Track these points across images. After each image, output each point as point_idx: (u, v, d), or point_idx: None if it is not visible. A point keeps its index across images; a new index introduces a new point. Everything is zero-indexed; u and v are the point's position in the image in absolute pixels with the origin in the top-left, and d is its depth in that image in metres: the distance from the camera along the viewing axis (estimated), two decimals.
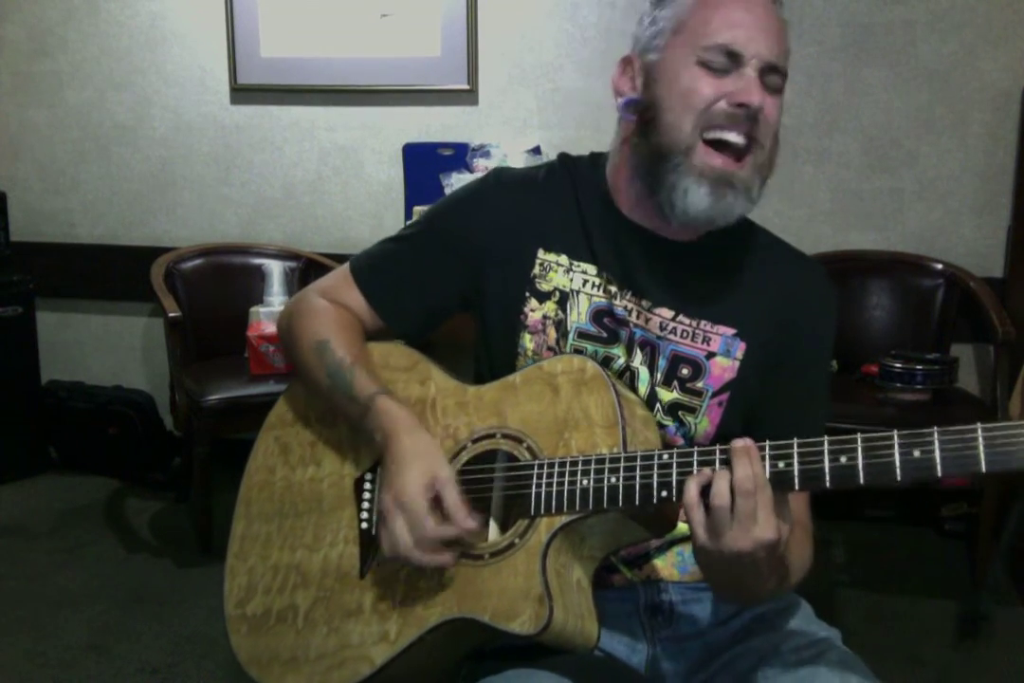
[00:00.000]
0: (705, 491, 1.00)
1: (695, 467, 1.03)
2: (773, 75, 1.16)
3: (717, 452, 1.02)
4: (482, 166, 3.18)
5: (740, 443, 0.99)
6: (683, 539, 1.27)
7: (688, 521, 1.01)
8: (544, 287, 1.27)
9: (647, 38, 1.22)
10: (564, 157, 1.35)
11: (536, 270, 1.27)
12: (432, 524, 1.11)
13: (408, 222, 1.43)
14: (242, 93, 3.45)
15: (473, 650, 1.21)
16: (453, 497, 1.12)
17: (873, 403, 2.71)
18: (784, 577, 1.10)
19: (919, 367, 2.71)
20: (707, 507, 1.00)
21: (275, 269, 3.21)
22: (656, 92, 1.19)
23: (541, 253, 1.27)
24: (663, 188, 1.18)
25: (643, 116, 1.21)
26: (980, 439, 0.90)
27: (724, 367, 1.24)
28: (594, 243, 1.26)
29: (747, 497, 0.97)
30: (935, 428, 0.93)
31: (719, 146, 1.15)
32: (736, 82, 1.14)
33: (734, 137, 1.15)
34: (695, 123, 1.15)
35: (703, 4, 1.17)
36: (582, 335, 1.25)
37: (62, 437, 3.60)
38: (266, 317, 3.04)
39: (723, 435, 1.24)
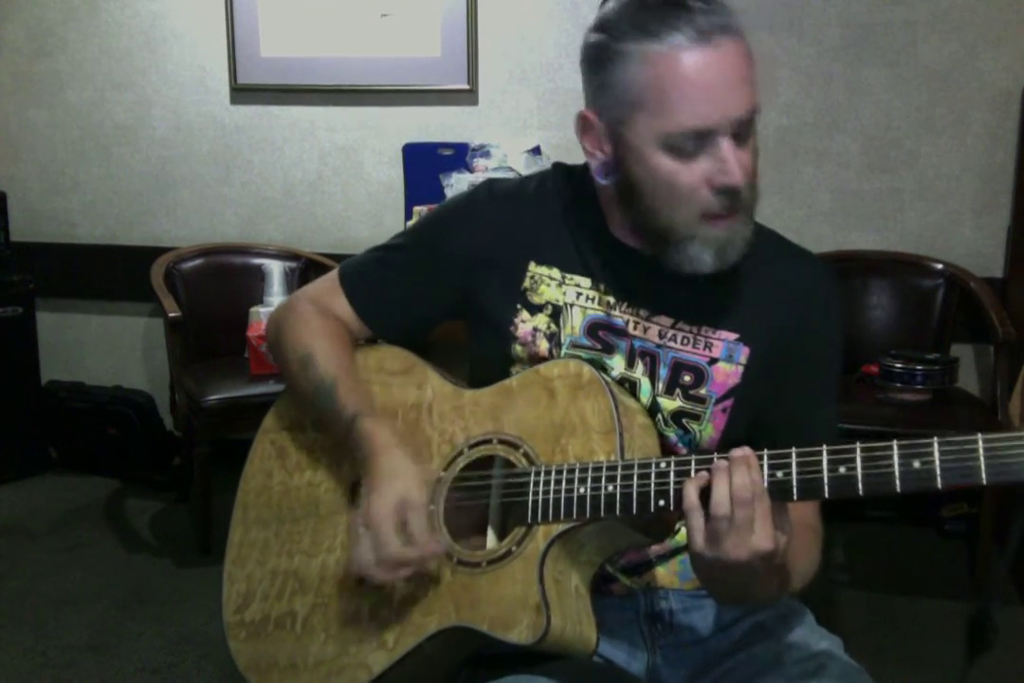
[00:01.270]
0: (704, 496, 0.99)
1: (692, 475, 1.02)
2: (746, 126, 1.10)
3: (715, 460, 1.01)
4: (482, 166, 3.18)
5: (739, 452, 0.99)
6: (686, 547, 1.25)
7: (686, 525, 1.00)
8: (536, 300, 1.26)
9: (602, 102, 1.14)
10: (558, 167, 1.33)
11: (527, 283, 1.26)
12: (395, 546, 1.11)
13: (401, 229, 1.42)
14: (242, 93, 3.45)
15: (470, 655, 1.21)
16: (419, 522, 1.12)
17: (873, 403, 2.71)
18: (785, 582, 1.09)
19: (919, 367, 2.71)
20: (706, 514, 0.99)
21: (275, 269, 3.21)
22: (630, 170, 1.14)
23: (532, 266, 1.26)
24: (668, 255, 1.16)
25: (621, 185, 1.17)
26: (981, 450, 0.89)
27: (727, 373, 1.22)
28: (587, 257, 1.25)
29: (744, 506, 0.96)
30: (935, 438, 0.92)
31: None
32: (713, 161, 1.08)
33: (728, 210, 1.12)
34: (689, 213, 1.11)
35: (658, 77, 1.06)
36: (575, 347, 1.24)
37: (62, 437, 3.60)
38: (266, 317, 3.02)
39: (728, 441, 1.22)
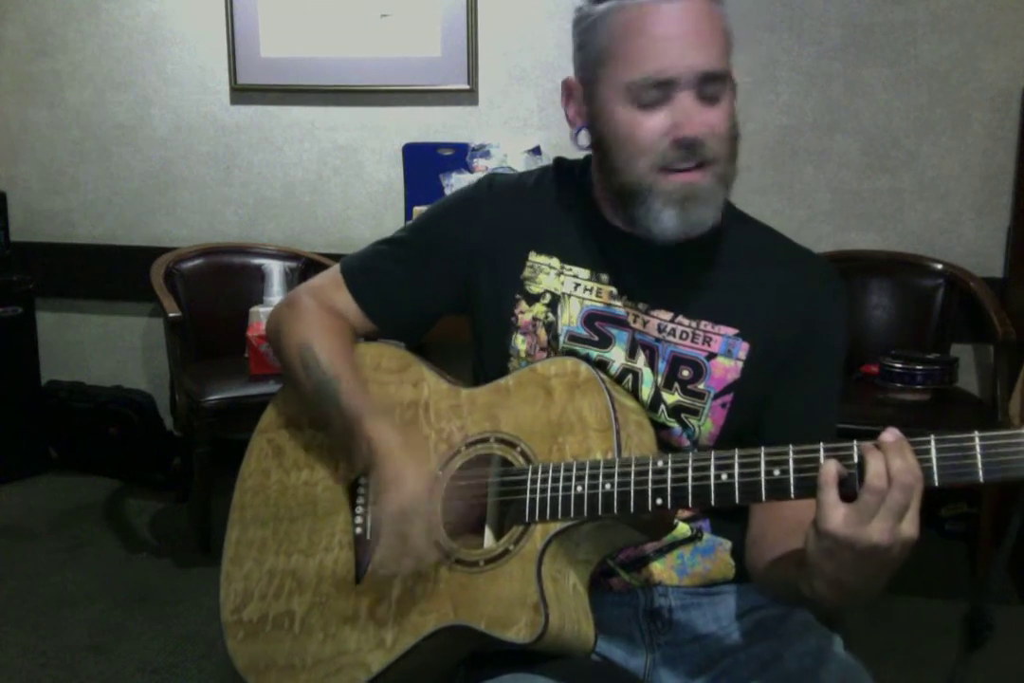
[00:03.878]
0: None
1: (689, 473, 1.02)
2: (710, 84, 1.12)
3: (712, 458, 1.01)
4: (482, 166, 3.18)
5: (892, 437, 0.93)
6: (684, 542, 1.26)
7: (819, 502, 0.94)
8: (534, 289, 1.26)
9: (579, 65, 1.19)
10: (559, 162, 1.34)
11: (526, 272, 1.27)
12: (393, 554, 1.14)
13: (403, 225, 1.42)
14: (242, 93, 3.45)
15: (469, 655, 1.21)
16: (418, 529, 1.14)
17: (873, 403, 2.71)
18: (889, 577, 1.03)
19: (919, 367, 2.71)
20: (843, 493, 0.93)
21: (275, 269, 3.21)
22: (599, 129, 1.19)
23: (532, 255, 1.27)
24: (637, 219, 1.18)
25: (596, 149, 1.21)
26: (978, 448, 0.89)
27: (726, 368, 1.22)
28: (587, 248, 1.26)
29: (904, 490, 0.91)
30: (932, 436, 0.91)
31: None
32: (673, 112, 1.12)
33: (687, 164, 1.14)
34: (646, 164, 1.14)
35: (622, 31, 1.12)
36: (573, 338, 1.24)
37: (62, 437, 3.60)
38: (266, 317, 3.02)
39: (728, 436, 1.22)
